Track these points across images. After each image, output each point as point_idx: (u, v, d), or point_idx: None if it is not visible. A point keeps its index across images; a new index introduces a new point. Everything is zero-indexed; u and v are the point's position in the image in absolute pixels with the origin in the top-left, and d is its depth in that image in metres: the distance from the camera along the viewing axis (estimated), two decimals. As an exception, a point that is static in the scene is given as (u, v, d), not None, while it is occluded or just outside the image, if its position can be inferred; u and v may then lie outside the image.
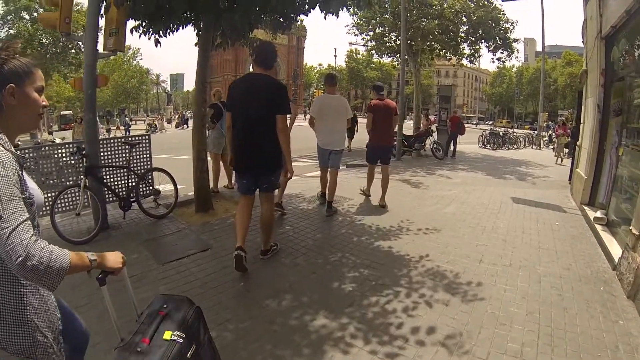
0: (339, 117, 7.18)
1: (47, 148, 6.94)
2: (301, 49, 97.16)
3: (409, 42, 17.87)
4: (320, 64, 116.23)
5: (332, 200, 7.30)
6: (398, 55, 18.50)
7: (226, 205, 7.62)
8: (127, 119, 44.33)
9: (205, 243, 5.70)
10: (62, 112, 53.86)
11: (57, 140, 20.12)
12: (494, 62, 20.21)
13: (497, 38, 19.14)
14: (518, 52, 20.07)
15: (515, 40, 19.91)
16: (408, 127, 20.42)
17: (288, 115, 4.75)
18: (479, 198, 8.78)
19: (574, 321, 3.74)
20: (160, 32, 7.04)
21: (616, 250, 5.37)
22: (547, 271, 4.86)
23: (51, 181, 6.61)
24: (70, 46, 44.51)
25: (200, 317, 2.29)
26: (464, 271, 4.77)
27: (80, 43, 47.86)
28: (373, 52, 21.87)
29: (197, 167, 7.09)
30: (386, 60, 66.74)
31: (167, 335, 1.93)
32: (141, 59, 74.77)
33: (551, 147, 29.65)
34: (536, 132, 31.75)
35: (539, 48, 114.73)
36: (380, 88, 8.10)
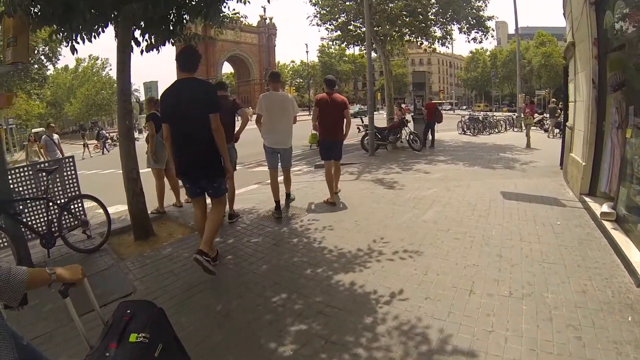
0: (286, 114, 7.03)
1: None
2: (272, 47, 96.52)
3: (375, 28, 16.71)
4: (293, 61, 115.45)
5: (289, 191, 7.57)
6: (365, 44, 17.21)
7: (171, 229, 6.74)
8: (103, 131, 42.98)
9: (129, 285, 4.68)
10: (34, 130, 51.58)
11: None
12: (469, 42, 18.85)
13: (470, 18, 17.91)
14: (493, 31, 18.79)
15: (489, 19, 18.61)
16: (381, 119, 19.22)
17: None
18: (464, 196, 7.62)
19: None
20: (79, 37, 5.82)
21: (636, 257, 4.30)
22: (558, 299, 3.68)
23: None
24: (32, 61, 43.57)
25: (163, 317, 2.40)
26: (449, 312, 3.55)
27: (42, 57, 47.19)
28: (338, 42, 20.50)
29: (129, 189, 6.17)
30: (355, 51, 65.44)
31: (133, 337, 2.05)
32: (111, 69, 72.60)
33: (533, 127, 28.87)
34: (516, 115, 30.62)
35: (510, 31, 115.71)
36: (332, 82, 7.88)
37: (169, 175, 7.80)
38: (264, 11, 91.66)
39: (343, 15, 18.47)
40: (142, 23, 6.32)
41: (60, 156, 11.46)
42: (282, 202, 7.24)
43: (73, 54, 6.00)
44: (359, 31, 18.46)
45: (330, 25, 19.13)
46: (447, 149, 16.08)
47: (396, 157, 13.73)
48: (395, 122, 16.08)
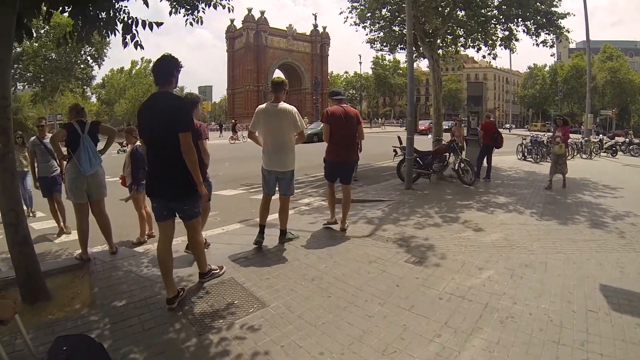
0: (283, 130, 6.02)
1: None
2: (325, 56, 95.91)
3: (422, 25, 13.53)
4: (346, 72, 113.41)
5: (285, 228, 6.39)
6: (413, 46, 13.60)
7: (79, 289, 4.97)
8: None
9: None
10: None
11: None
12: (537, 46, 14.62)
13: (538, 17, 14.07)
14: (568, 32, 14.69)
15: (563, 17, 14.30)
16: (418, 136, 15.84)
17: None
18: (539, 295, 4.39)
19: None
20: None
21: None
22: None
23: None
24: (78, 62, 44.69)
25: (103, 355, 2.41)
26: None
27: (89, 58, 47.97)
28: (378, 45, 17.25)
29: (8, 237, 4.66)
30: (402, 57, 62.35)
31: None
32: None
33: (604, 154, 24.90)
34: (584, 138, 26.33)
35: (571, 45, 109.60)
36: (338, 94, 7.10)
37: (96, 210, 6.13)
38: (315, 19, 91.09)
39: (384, 9, 15.25)
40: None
41: (57, 169, 8.09)
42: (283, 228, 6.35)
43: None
44: (404, 31, 14.93)
45: (370, 24, 15.99)
46: (506, 183, 12.66)
47: (439, 194, 10.48)
48: (442, 146, 12.68)
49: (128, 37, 5.43)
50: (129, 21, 5.40)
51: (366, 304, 4.20)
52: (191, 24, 6.86)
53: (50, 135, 8.15)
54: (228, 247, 6.20)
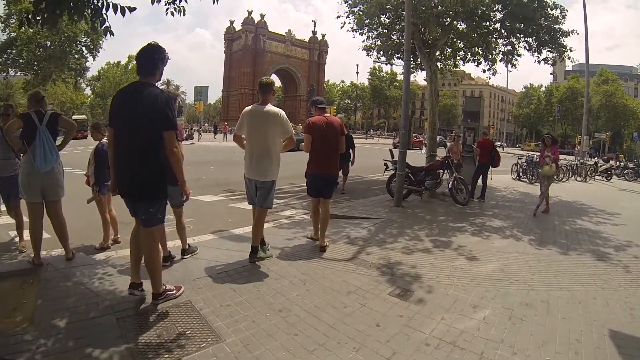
0: (266, 135, 5.57)
1: None
2: (322, 64, 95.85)
3: (421, 35, 12.98)
4: (342, 81, 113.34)
5: (258, 244, 5.75)
6: (411, 56, 12.87)
7: (24, 298, 4.44)
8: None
9: None
10: (75, 117, 49.43)
11: None
12: (539, 63, 14.11)
13: (541, 33, 13.50)
14: (570, 51, 14.22)
15: (566, 34, 13.78)
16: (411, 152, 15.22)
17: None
18: (543, 344, 3.75)
19: None
20: None
21: None
22: None
23: None
24: (73, 51, 43.80)
25: None
26: None
27: (84, 48, 47.19)
28: (373, 53, 16.45)
29: None
30: (396, 68, 62.10)
31: None
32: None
33: (598, 177, 24.52)
34: (580, 160, 25.87)
35: (567, 67, 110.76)
36: (321, 102, 6.89)
37: (50, 212, 5.54)
38: (314, 25, 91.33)
39: (383, 15, 14.59)
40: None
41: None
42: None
43: None
44: (402, 40, 14.25)
45: (367, 31, 15.36)
46: (500, 204, 12.07)
47: (431, 214, 9.84)
48: (436, 162, 12.12)
49: (97, 21, 4.99)
50: (99, 4, 4.94)
51: (338, 348, 3.52)
52: (172, 14, 6.28)
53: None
54: (193, 262, 5.54)
